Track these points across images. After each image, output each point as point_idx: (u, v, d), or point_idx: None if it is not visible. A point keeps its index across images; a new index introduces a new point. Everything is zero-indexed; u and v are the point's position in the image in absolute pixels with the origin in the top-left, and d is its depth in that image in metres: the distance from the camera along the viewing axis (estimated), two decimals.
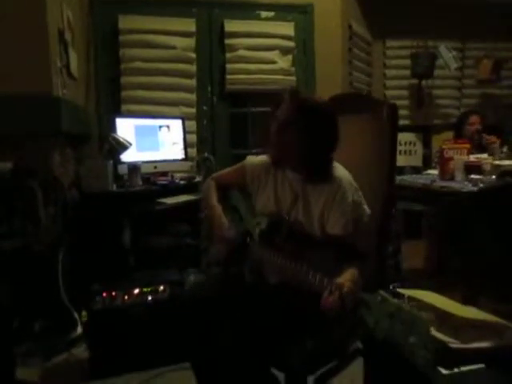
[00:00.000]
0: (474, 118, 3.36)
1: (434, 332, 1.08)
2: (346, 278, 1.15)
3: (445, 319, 1.11)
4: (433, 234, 2.87)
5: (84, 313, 2.32)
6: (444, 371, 0.99)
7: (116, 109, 3.15)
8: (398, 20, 4.10)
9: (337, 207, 1.29)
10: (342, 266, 1.21)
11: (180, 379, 1.87)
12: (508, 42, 4.37)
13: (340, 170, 1.36)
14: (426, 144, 4.24)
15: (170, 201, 2.52)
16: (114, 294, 1.88)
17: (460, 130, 3.40)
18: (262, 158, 1.49)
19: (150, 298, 1.91)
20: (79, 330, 2.28)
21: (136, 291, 1.91)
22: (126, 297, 1.89)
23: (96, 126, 3.15)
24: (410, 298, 1.22)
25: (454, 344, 1.02)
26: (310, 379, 1.23)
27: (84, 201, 2.43)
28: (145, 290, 1.92)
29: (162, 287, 1.94)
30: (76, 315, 2.31)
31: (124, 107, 3.15)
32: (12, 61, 2.17)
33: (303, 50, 3.53)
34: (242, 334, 1.21)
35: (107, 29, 3.15)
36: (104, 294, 1.87)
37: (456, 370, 0.99)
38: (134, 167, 2.61)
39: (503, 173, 1.63)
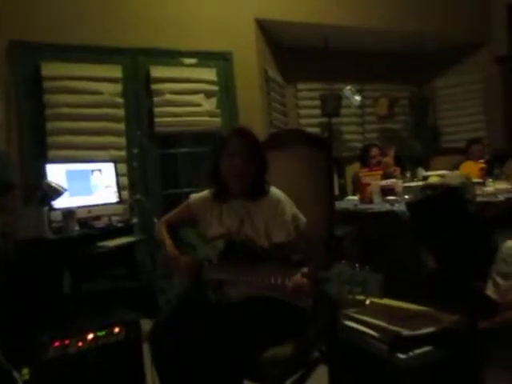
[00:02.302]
0: (374, 151, 3.85)
1: (386, 325, 1.27)
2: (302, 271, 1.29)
3: (393, 313, 1.31)
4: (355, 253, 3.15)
5: (25, 370, 2.18)
6: (401, 356, 1.18)
7: (42, 155, 3.07)
8: (305, 66, 4.60)
9: (278, 220, 1.49)
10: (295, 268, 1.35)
11: None
12: (400, 83, 5.09)
13: (275, 190, 1.57)
14: (340, 175, 4.68)
15: (112, 243, 2.50)
16: (66, 341, 1.81)
17: (365, 161, 3.85)
18: (204, 194, 1.68)
19: (105, 340, 1.87)
20: None
21: (90, 336, 1.86)
22: (80, 343, 1.83)
23: (19, 173, 3.03)
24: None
25: (406, 332, 1.22)
26: None
27: (19, 250, 2.32)
28: (99, 333, 1.88)
29: (117, 329, 1.91)
30: (16, 374, 2.16)
31: (51, 153, 3.09)
32: None
33: (226, 93, 3.78)
34: (213, 351, 1.29)
35: (29, 75, 3.11)
36: (56, 343, 1.79)
37: (411, 353, 1.18)
38: (69, 212, 2.56)
39: (424, 187, 1.95)
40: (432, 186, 1.80)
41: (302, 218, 1.55)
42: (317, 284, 1.21)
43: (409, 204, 1.27)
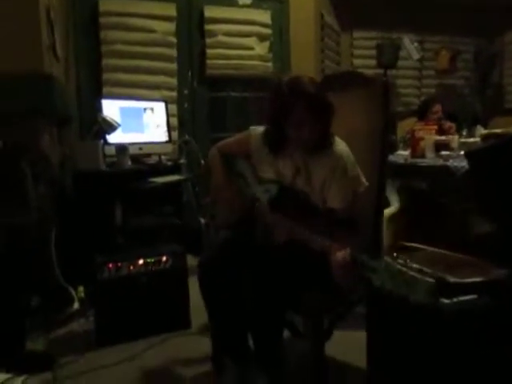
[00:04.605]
0: (437, 107, 3.62)
1: (432, 271, 1.26)
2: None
3: (439, 260, 1.30)
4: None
5: (81, 288, 2.38)
6: (445, 301, 1.17)
7: (97, 91, 3.15)
8: (363, 13, 4.35)
9: (337, 181, 1.38)
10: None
11: (183, 344, 1.97)
12: (463, 35, 4.73)
13: (341, 145, 1.44)
14: (391, 130, 4.51)
15: (161, 180, 2.59)
16: (119, 264, 1.94)
17: (423, 116, 3.65)
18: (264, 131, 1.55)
19: (153, 267, 1.99)
20: (76, 305, 2.34)
21: (140, 262, 1.98)
22: (132, 267, 1.96)
23: (76, 107, 3.14)
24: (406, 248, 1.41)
25: (452, 279, 1.21)
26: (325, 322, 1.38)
27: (76, 180, 2.45)
28: (148, 260, 1.99)
29: (164, 258, 2.02)
30: (72, 291, 2.36)
31: (105, 89, 3.16)
32: (3, 39, 2.15)
33: (279, 38, 3.67)
34: (259, 285, 1.34)
35: (87, 11, 3.15)
36: (110, 265, 1.93)
37: (455, 299, 1.18)
38: (122, 148, 2.65)
39: (487, 135, 1.84)
40: (496, 135, 1.69)
41: (364, 182, 1.43)
42: (360, 269, 1.13)
43: (468, 153, 1.19)
